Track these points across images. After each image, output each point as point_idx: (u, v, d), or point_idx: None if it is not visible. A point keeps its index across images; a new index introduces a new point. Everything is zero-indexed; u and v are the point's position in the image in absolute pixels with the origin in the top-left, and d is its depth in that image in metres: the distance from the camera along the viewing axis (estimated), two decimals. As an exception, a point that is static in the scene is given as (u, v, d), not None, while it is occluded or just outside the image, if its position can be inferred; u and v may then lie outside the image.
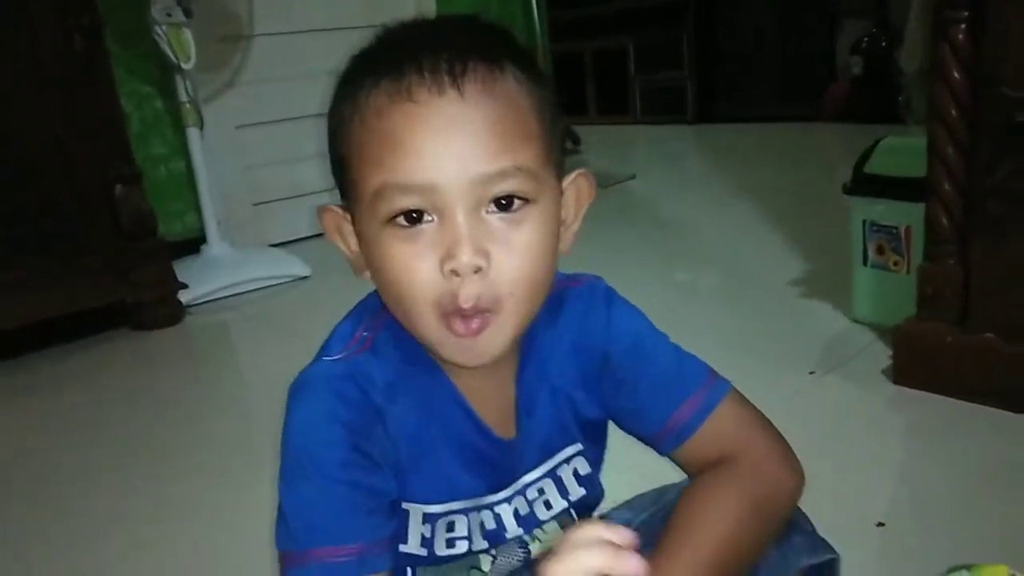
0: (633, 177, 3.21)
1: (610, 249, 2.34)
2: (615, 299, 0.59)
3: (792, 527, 0.57)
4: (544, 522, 0.59)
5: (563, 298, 0.56)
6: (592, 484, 0.60)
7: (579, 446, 0.59)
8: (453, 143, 0.46)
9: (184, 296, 2.01)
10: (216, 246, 2.21)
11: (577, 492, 0.59)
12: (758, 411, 0.59)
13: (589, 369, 0.57)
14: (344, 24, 2.57)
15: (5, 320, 1.72)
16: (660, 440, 0.57)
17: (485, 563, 0.58)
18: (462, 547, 0.56)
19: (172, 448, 1.38)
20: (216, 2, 2.18)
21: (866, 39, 3.70)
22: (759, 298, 1.77)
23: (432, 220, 0.47)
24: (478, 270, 0.46)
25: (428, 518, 0.55)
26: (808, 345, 1.46)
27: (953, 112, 1.17)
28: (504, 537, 0.57)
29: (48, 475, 1.33)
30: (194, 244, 2.26)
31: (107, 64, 1.87)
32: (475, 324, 0.47)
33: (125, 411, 1.57)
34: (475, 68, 0.46)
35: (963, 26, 1.14)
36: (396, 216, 0.47)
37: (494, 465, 0.56)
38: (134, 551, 1.09)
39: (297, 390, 0.52)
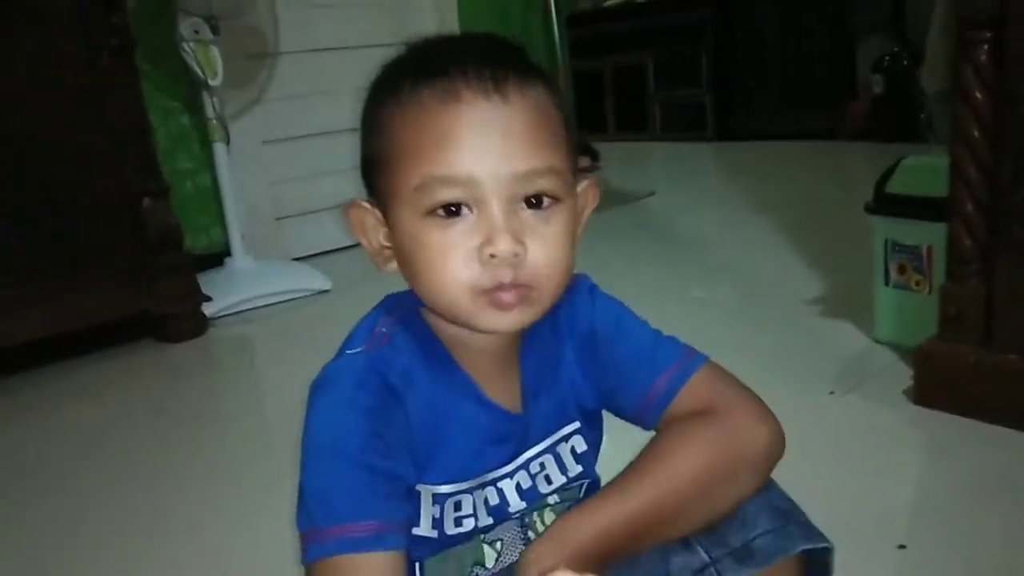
0: (652, 194, 3.22)
1: (630, 265, 2.35)
2: (597, 290, 0.64)
3: (787, 517, 0.59)
4: (544, 495, 0.61)
5: None
6: (588, 463, 0.63)
7: (577, 424, 0.62)
8: (496, 141, 0.50)
9: (208, 308, 2.03)
10: (240, 259, 2.24)
11: (575, 469, 0.62)
12: (734, 377, 0.62)
13: (581, 348, 0.62)
14: (368, 42, 2.61)
15: (31, 331, 1.75)
16: (644, 414, 0.61)
17: (489, 559, 0.60)
18: (469, 525, 0.58)
19: (191, 459, 1.40)
20: (243, 20, 2.22)
21: (887, 57, 3.69)
22: (779, 316, 1.77)
23: (470, 213, 0.51)
24: (515, 255, 0.50)
25: (438, 499, 0.57)
26: (828, 364, 1.46)
27: (976, 132, 1.17)
28: (508, 512, 0.59)
29: (65, 484, 1.35)
30: (218, 257, 2.29)
31: (136, 81, 1.90)
32: (515, 295, 0.52)
33: (145, 422, 1.59)
34: (514, 77, 0.51)
35: (985, 47, 1.14)
36: (437, 208, 0.51)
37: (504, 440, 0.59)
38: (150, 561, 1.11)
39: (318, 386, 0.55)
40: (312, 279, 2.25)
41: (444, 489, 0.56)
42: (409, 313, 0.58)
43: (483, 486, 0.58)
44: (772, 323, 1.74)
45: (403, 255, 0.54)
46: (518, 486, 0.59)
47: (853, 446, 1.22)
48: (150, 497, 1.28)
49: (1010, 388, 1.17)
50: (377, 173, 0.54)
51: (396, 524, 0.52)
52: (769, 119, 4.24)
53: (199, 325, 2.00)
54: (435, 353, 0.57)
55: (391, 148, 0.52)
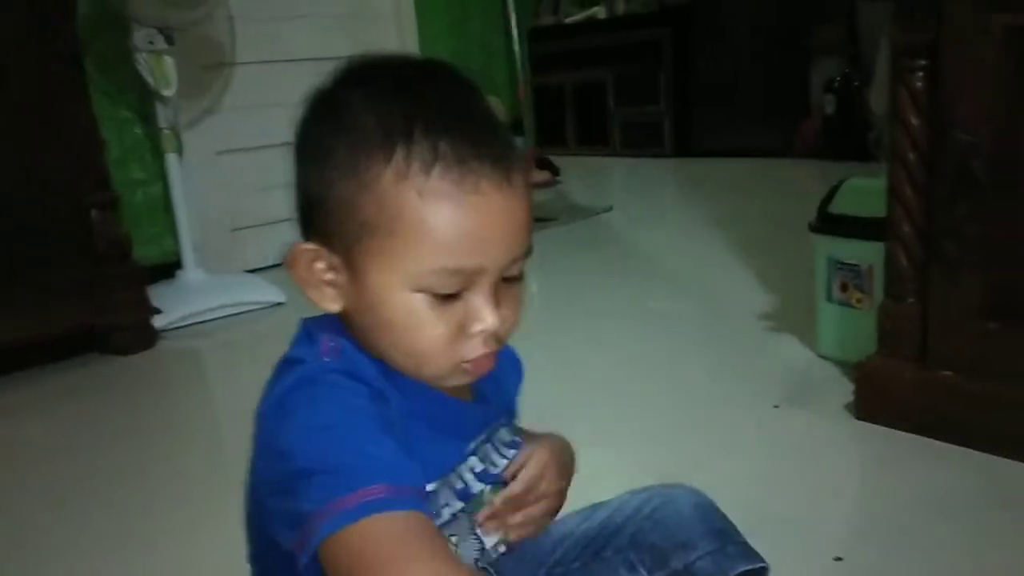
0: (610, 209, 3.26)
1: (586, 279, 2.37)
2: None
3: (726, 538, 0.61)
4: (494, 476, 0.63)
5: None
6: (515, 452, 0.66)
7: (503, 418, 0.65)
8: (506, 231, 0.52)
9: (158, 321, 2.00)
10: (191, 271, 2.22)
11: (509, 454, 0.65)
12: None
13: (507, 360, 0.65)
14: (325, 54, 2.60)
15: (-26, 343, 1.71)
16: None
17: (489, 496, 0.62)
18: (447, 514, 0.59)
19: (139, 474, 1.38)
20: (198, 30, 2.20)
21: (839, 78, 3.79)
22: (728, 330, 1.80)
23: (462, 293, 0.53)
24: (496, 328, 0.54)
25: (429, 497, 0.57)
26: (773, 378, 1.49)
27: (911, 156, 1.21)
28: (471, 492, 0.61)
29: (11, 500, 1.32)
30: (170, 269, 2.26)
31: (85, 90, 1.88)
32: (490, 361, 0.55)
33: (92, 436, 1.55)
34: (516, 161, 0.53)
35: (920, 73, 1.18)
36: (437, 291, 0.52)
37: (463, 428, 0.61)
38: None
39: (298, 385, 0.53)
40: (265, 292, 2.22)
41: (430, 487, 0.57)
42: (341, 334, 0.57)
43: (450, 474, 0.60)
44: (722, 336, 1.78)
45: (374, 313, 0.53)
46: (472, 469, 0.61)
47: (795, 459, 1.24)
48: (98, 512, 1.25)
49: (944, 404, 1.21)
50: (354, 235, 0.52)
51: (424, 495, 0.52)
52: (726, 136, 4.32)
53: (148, 337, 1.96)
54: (382, 364, 0.56)
55: (393, 221, 0.50)
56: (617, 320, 1.96)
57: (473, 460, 0.61)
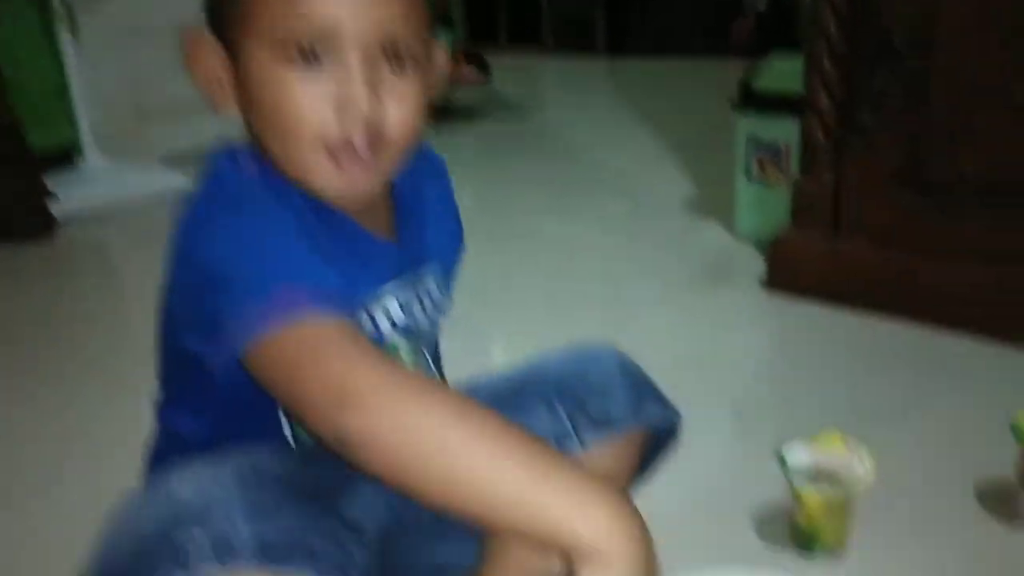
0: (540, 107, 3.19)
1: (516, 178, 2.34)
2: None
3: (644, 389, 0.64)
4: (411, 330, 0.61)
5: None
6: (441, 312, 0.65)
7: (435, 270, 0.63)
8: None
9: (57, 209, 1.89)
10: (93, 159, 2.09)
11: (435, 315, 0.64)
12: None
13: (445, 193, 0.66)
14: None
15: None
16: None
17: (406, 356, 0.60)
18: None
19: (41, 363, 1.32)
20: None
21: (770, -25, 3.74)
22: (655, 220, 1.82)
23: (329, 63, 0.50)
24: (373, 111, 0.50)
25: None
26: (696, 261, 1.52)
27: (833, 28, 1.19)
28: (384, 339, 0.59)
29: None
30: (70, 157, 2.13)
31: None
32: (363, 159, 0.51)
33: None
34: None
35: (843, -62, 1.15)
36: (293, 51, 0.50)
37: (381, 263, 0.59)
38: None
39: (217, 196, 0.53)
40: (171, 179, 2.11)
41: None
42: (258, 159, 0.55)
43: (358, 310, 0.57)
44: (648, 226, 1.79)
45: (250, 101, 0.52)
46: (388, 313, 0.59)
47: (711, 332, 1.27)
48: (7, 401, 1.21)
49: (855, 272, 1.24)
50: (228, 14, 0.52)
51: (349, 309, 0.51)
52: (661, 35, 4.26)
53: (45, 224, 1.86)
54: (300, 190, 0.54)
55: None
56: (545, 218, 1.94)
57: (392, 305, 0.59)
